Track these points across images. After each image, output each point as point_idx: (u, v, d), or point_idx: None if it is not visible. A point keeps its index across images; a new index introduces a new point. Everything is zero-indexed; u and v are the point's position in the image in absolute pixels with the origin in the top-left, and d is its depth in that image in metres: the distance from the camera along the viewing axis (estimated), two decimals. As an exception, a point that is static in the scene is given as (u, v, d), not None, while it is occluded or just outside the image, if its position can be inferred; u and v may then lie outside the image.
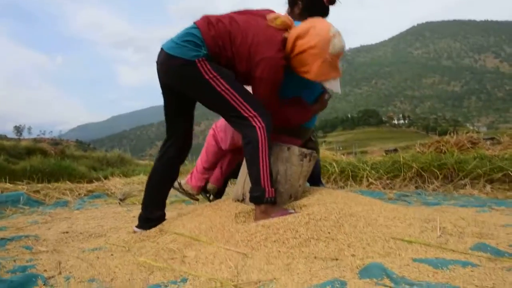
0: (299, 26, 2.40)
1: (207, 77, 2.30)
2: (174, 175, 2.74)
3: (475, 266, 1.54)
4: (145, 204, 2.66)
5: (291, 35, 2.38)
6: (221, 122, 3.12)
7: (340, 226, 1.96)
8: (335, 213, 2.09)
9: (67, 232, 2.89)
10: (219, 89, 2.31)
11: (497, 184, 4.76)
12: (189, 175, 3.42)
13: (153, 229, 2.44)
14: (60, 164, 10.40)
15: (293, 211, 2.22)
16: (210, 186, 3.37)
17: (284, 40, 2.39)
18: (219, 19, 2.43)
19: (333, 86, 2.44)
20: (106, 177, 8.57)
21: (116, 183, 6.52)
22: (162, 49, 2.41)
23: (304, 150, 2.55)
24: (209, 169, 3.33)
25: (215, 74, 2.31)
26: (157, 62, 2.47)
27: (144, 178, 7.22)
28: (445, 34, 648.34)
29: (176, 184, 3.30)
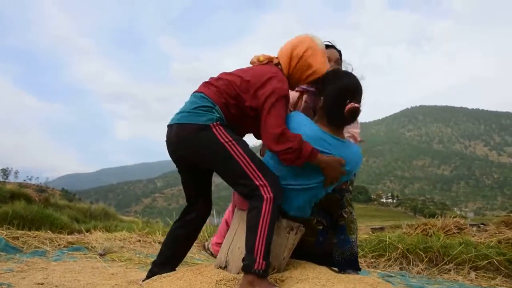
0: (283, 47, 2.69)
1: (222, 140, 2.37)
2: (193, 238, 2.88)
3: None
4: (158, 262, 2.74)
5: (282, 55, 2.64)
6: None
7: (322, 303, 1.92)
8: (317, 289, 2.05)
9: (42, 284, 2.82)
10: (233, 153, 2.36)
11: (481, 271, 4.72)
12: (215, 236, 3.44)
13: (130, 288, 2.38)
14: (42, 212, 10.21)
15: (278, 286, 2.19)
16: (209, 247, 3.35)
17: (276, 66, 2.60)
18: (215, 78, 2.59)
19: None
20: (88, 230, 8.41)
21: (98, 237, 6.38)
22: (171, 124, 2.51)
23: (292, 223, 2.54)
24: None
25: (230, 139, 2.38)
26: (167, 140, 2.57)
27: (126, 234, 7.10)
28: (437, 118, 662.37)
29: (205, 245, 3.44)
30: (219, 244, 3.22)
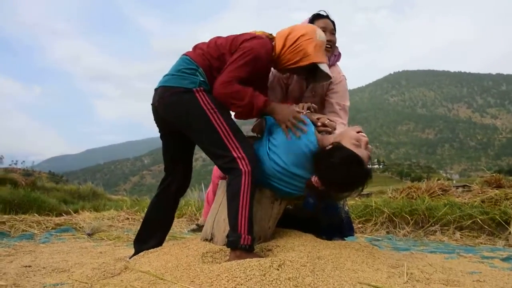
0: (283, 29, 2.61)
1: (204, 107, 2.34)
2: (175, 208, 2.85)
3: (440, 314, 1.54)
4: (141, 237, 2.75)
5: (279, 35, 2.57)
6: None
7: (308, 270, 1.94)
8: (303, 256, 2.07)
9: (29, 266, 2.80)
10: (214, 122, 2.33)
11: (466, 231, 4.81)
12: (204, 210, 3.46)
13: (118, 265, 2.38)
14: (29, 195, 10.12)
15: (265, 256, 2.20)
16: (202, 220, 3.34)
17: (271, 40, 2.56)
18: (206, 42, 2.59)
19: (327, 69, 2.56)
20: (76, 211, 8.38)
21: (86, 218, 6.37)
22: (157, 88, 2.49)
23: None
24: None
25: (212, 106, 2.35)
26: (153, 103, 2.53)
27: (114, 213, 7.09)
28: (420, 83, 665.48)
29: (194, 226, 3.43)
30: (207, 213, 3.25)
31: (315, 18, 3.12)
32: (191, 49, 2.58)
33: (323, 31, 2.84)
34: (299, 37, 2.50)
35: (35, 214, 6.43)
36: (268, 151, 2.47)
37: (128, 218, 6.72)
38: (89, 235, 4.85)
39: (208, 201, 3.32)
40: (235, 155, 2.29)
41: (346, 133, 2.40)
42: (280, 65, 2.60)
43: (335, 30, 3.16)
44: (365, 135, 2.39)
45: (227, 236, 2.27)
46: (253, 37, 2.47)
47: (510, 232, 4.51)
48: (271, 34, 2.62)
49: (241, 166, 2.26)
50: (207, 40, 2.63)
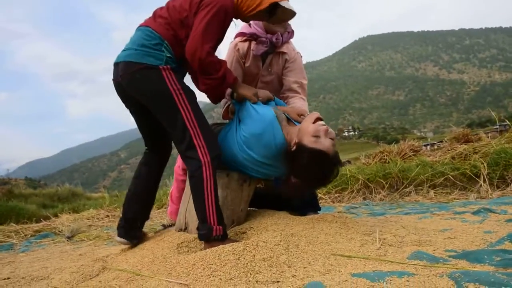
0: None
1: (170, 87, 2.25)
2: (157, 184, 2.75)
3: (411, 275, 1.58)
4: (125, 215, 2.65)
5: None
6: None
7: (282, 248, 1.97)
8: (277, 235, 2.10)
9: (8, 278, 2.77)
10: (178, 104, 2.25)
11: (439, 188, 4.92)
12: (169, 209, 3.41)
13: (96, 266, 2.38)
14: (6, 205, 9.98)
15: (239, 241, 2.22)
16: (168, 221, 3.33)
17: None
18: (162, 8, 2.45)
19: (289, 5, 2.50)
20: (55, 215, 8.30)
21: (65, 221, 6.32)
22: (118, 63, 2.35)
23: (244, 175, 2.56)
24: None
25: (179, 87, 2.27)
26: (114, 79, 2.41)
27: (94, 212, 7.05)
28: (386, 46, 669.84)
29: (160, 227, 3.28)
30: (174, 211, 3.25)
31: None
32: (149, 19, 2.45)
33: None
34: None
35: (13, 224, 6.35)
36: (238, 139, 2.47)
37: (108, 216, 6.69)
38: (68, 238, 4.81)
39: (172, 200, 3.31)
40: (195, 142, 2.24)
41: (304, 129, 2.36)
42: (241, 14, 2.49)
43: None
44: (323, 123, 2.38)
45: (198, 229, 2.25)
46: None
47: (481, 185, 4.63)
48: None
49: (200, 156, 2.22)
50: (164, 5, 2.50)
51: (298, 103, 3.01)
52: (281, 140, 2.39)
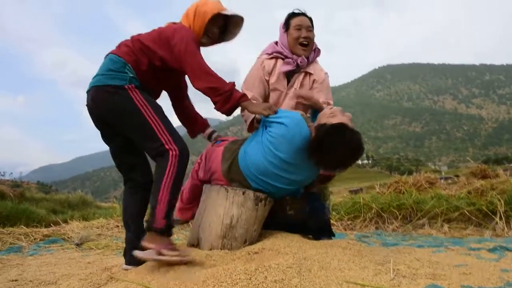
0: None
1: (137, 103, 2.41)
2: (146, 205, 2.72)
3: (425, 309, 1.54)
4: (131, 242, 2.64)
5: (183, 16, 2.79)
6: (208, 151, 3.02)
7: (294, 271, 1.94)
8: (289, 258, 2.08)
9: (16, 280, 2.77)
10: (147, 116, 2.40)
11: (454, 223, 4.84)
12: (177, 206, 3.42)
13: (104, 275, 2.37)
14: (17, 207, 10.02)
15: (185, 253, 2.22)
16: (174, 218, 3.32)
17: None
18: (127, 39, 2.67)
19: (231, 11, 2.77)
20: (65, 221, 8.32)
21: (75, 227, 6.32)
22: (89, 90, 2.53)
23: (260, 194, 2.54)
24: (191, 202, 3.23)
25: (145, 102, 2.43)
26: (87, 104, 2.57)
27: (104, 221, 7.05)
28: (405, 76, 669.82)
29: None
30: (181, 209, 3.23)
31: (291, 16, 3.21)
32: (116, 48, 2.65)
33: (298, 28, 3.08)
34: (196, 6, 2.72)
35: (22, 226, 6.37)
36: (264, 143, 2.52)
37: (117, 226, 6.67)
38: (77, 245, 4.81)
39: (182, 198, 3.30)
40: (166, 146, 2.35)
41: (321, 115, 2.54)
42: (198, 38, 2.71)
43: (313, 27, 3.20)
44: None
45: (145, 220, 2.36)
46: (173, 28, 2.61)
47: (497, 222, 4.54)
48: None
49: (169, 151, 2.34)
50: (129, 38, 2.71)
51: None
52: (307, 133, 2.45)
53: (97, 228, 6.38)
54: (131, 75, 2.48)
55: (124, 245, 2.78)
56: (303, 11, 3.18)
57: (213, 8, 2.70)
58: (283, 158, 2.45)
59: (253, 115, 2.93)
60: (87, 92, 2.56)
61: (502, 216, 4.57)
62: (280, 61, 3.20)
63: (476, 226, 4.69)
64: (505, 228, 4.41)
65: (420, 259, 2.61)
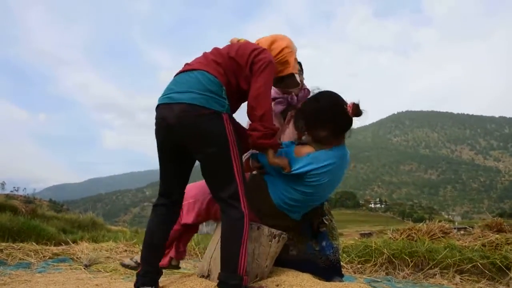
0: (263, 38, 2.72)
1: (229, 137, 2.31)
2: (170, 230, 2.67)
3: None
4: (143, 262, 2.58)
5: (263, 43, 2.66)
6: (191, 191, 2.90)
7: (303, 310, 1.93)
8: (300, 296, 2.07)
9: (24, 297, 2.79)
10: (232, 154, 2.32)
11: (466, 275, 4.76)
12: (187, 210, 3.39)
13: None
14: (29, 223, 10.08)
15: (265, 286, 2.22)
16: (174, 262, 3.28)
17: None
18: (214, 53, 2.51)
19: (298, 77, 2.81)
20: (74, 241, 8.34)
21: (84, 248, 6.33)
22: (174, 103, 2.32)
23: (274, 230, 2.55)
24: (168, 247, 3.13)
25: (235, 138, 2.35)
26: (162, 120, 2.37)
27: (113, 245, 7.06)
28: (424, 123, 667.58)
29: (131, 262, 3.20)
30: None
31: None
32: (201, 59, 2.49)
33: None
34: (283, 49, 2.63)
35: (33, 243, 6.41)
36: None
37: (126, 250, 6.68)
38: (86, 266, 4.82)
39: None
40: (240, 194, 2.30)
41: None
42: None
43: (302, 71, 3.47)
44: None
45: (227, 278, 2.24)
46: (260, 48, 2.50)
47: (510, 278, 4.46)
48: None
49: (243, 208, 2.28)
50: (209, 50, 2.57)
51: None
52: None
53: (106, 251, 6.39)
54: (228, 102, 2.36)
55: (132, 271, 2.76)
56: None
57: (294, 67, 2.72)
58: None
59: (247, 156, 2.95)
60: (166, 105, 2.36)
61: (517, 272, 4.49)
62: (272, 104, 3.31)
63: (489, 280, 4.61)
64: (519, 284, 4.32)
65: (430, 309, 2.58)
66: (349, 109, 2.61)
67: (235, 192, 2.30)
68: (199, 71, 2.38)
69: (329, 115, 2.64)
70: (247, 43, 2.58)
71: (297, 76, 2.78)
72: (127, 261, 3.25)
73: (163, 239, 2.57)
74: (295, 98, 3.39)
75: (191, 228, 3.13)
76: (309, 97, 2.96)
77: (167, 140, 2.43)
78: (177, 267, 3.29)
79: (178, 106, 2.29)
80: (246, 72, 2.42)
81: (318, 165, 2.55)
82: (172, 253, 3.19)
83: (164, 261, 3.14)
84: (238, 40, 2.70)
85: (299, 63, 3.36)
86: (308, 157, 2.59)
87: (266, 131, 2.36)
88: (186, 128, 2.29)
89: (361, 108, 2.65)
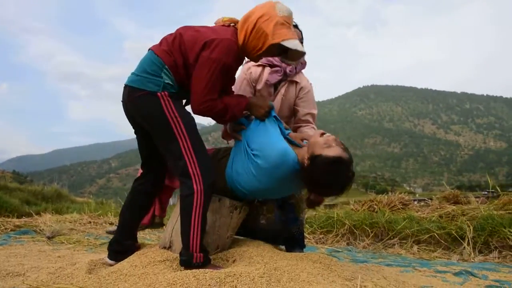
0: (246, 13, 2.48)
1: (167, 114, 2.31)
2: (148, 207, 2.81)
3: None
4: (118, 236, 2.68)
5: (240, 23, 2.47)
6: None
7: (264, 280, 1.97)
8: (260, 267, 2.11)
9: (-18, 270, 2.75)
10: (175, 131, 2.31)
11: (423, 245, 4.93)
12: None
13: (74, 271, 2.37)
14: (-10, 195, 9.86)
15: (222, 268, 2.23)
16: (158, 219, 3.36)
17: (235, 31, 2.48)
18: (172, 33, 2.48)
19: (296, 46, 2.42)
20: (38, 213, 8.20)
21: (47, 220, 6.24)
22: (125, 85, 2.43)
23: (235, 202, 2.58)
24: None
25: (176, 115, 2.32)
26: (122, 100, 2.48)
27: (77, 216, 6.98)
28: (388, 97, 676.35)
29: (113, 228, 3.33)
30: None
31: None
32: (158, 42, 2.50)
33: None
34: (257, 20, 2.37)
35: (-6, 215, 6.29)
36: (249, 169, 2.48)
37: (90, 222, 6.62)
38: (49, 238, 4.76)
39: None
40: (190, 170, 2.29)
41: (314, 142, 2.41)
42: (248, 55, 2.53)
43: (303, 40, 3.24)
44: (329, 134, 2.45)
45: (180, 254, 2.29)
46: (215, 43, 2.32)
47: (464, 247, 4.64)
48: (236, 21, 2.55)
49: (194, 185, 2.26)
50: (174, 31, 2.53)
51: (310, 132, 3.10)
52: (291, 167, 2.42)
53: (70, 222, 6.32)
54: (167, 81, 2.34)
55: (95, 242, 2.79)
56: (295, 23, 3.23)
57: (275, 35, 2.36)
58: (270, 186, 2.49)
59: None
60: (124, 86, 2.46)
61: (470, 242, 4.67)
62: (267, 69, 3.25)
63: (444, 249, 4.79)
64: (472, 253, 4.50)
65: (387, 278, 2.67)
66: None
67: (184, 169, 2.29)
68: (149, 51, 2.45)
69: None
70: (202, 33, 2.40)
71: (289, 43, 2.39)
72: (112, 228, 3.38)
73: (138, 211, 2.75)
74: (294, 70, 3.24)
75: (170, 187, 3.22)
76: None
77: (129, 118, 2.55)
78: (161, 224, 3.37)
79: (125, 88, 2.43)
80: (196, 51, 2.36)
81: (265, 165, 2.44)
82: (157, 210, 3.26)
83: (146, 219, 3.22)
84: (222, 20, 2.59)
85: (300, 32, 3.19)
86: (278, 146, 2.45)
87: (224, 122, 2.58)
88: (131, 110, 2.44)
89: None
